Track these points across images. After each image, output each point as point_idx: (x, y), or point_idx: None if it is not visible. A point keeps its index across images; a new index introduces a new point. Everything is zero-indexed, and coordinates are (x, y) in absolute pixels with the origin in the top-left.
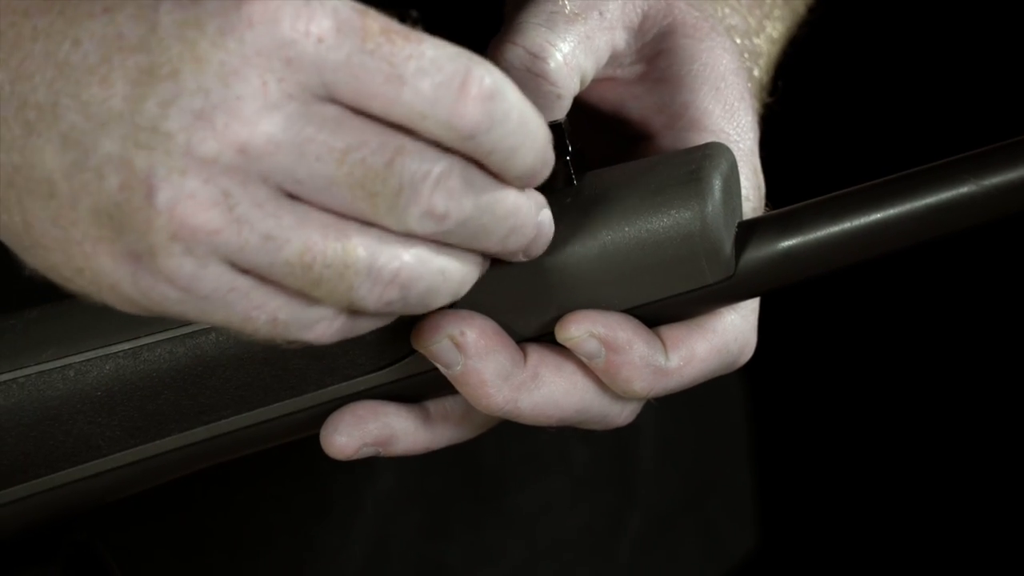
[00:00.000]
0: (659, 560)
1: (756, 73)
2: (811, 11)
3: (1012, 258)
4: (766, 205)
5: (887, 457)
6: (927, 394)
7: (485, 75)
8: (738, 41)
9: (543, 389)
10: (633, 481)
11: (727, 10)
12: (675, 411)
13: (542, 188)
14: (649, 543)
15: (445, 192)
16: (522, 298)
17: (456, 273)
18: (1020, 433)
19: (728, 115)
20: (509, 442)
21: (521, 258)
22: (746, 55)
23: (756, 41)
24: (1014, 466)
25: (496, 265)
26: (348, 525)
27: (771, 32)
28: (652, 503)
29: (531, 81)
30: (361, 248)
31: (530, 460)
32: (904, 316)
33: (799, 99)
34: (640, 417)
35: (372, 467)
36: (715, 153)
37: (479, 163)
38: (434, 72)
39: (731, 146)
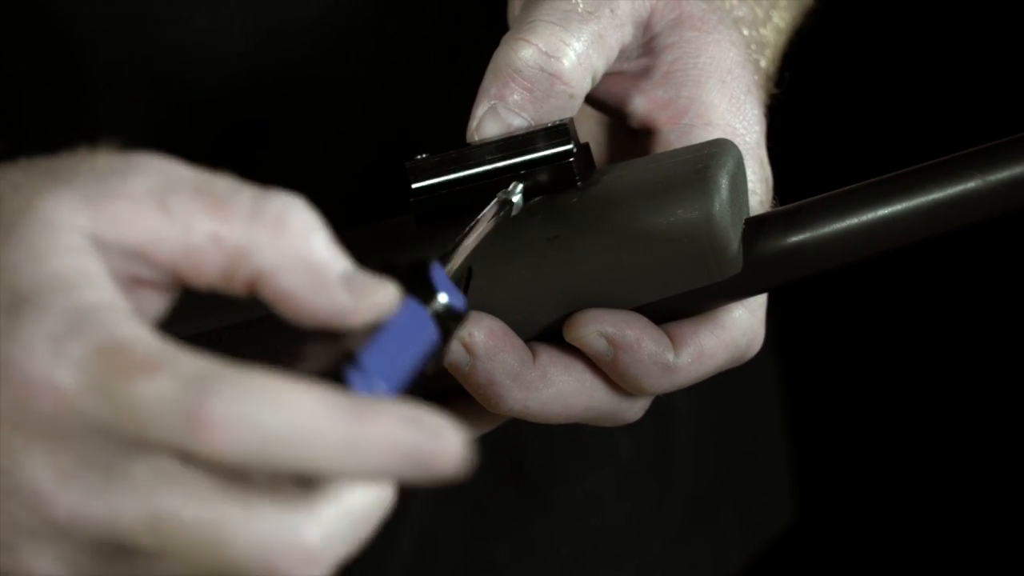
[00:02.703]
0: (699, 540)
1: (763, 64)
2: (819, 0)
3: None
4: (774, 197)
5: (921, 429)
6: (961, 365)
7: (219, 404)
8: (745, 32)
9: (552, 388)
10: (672, 466)
11: (735, 1)
12: (709, 390)
13: (547, 188)
14: (689, 524)
15: None
16: (530, 298)
17: None
18: None
19: (734, 108)
20: (553, 436)
21: None
22: (753, 46)
23: (763, 31)
24: None
25: (504, 266)
26: (395, 524)
27: (778, 22)
28: (690, 485)
29: (545, 80)
30: None
31: (575, 453)
32: (935, 288)
33: (807, 90)
34: (675, 400)
35: None
36: (721, 151)
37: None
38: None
39: (737, 140)
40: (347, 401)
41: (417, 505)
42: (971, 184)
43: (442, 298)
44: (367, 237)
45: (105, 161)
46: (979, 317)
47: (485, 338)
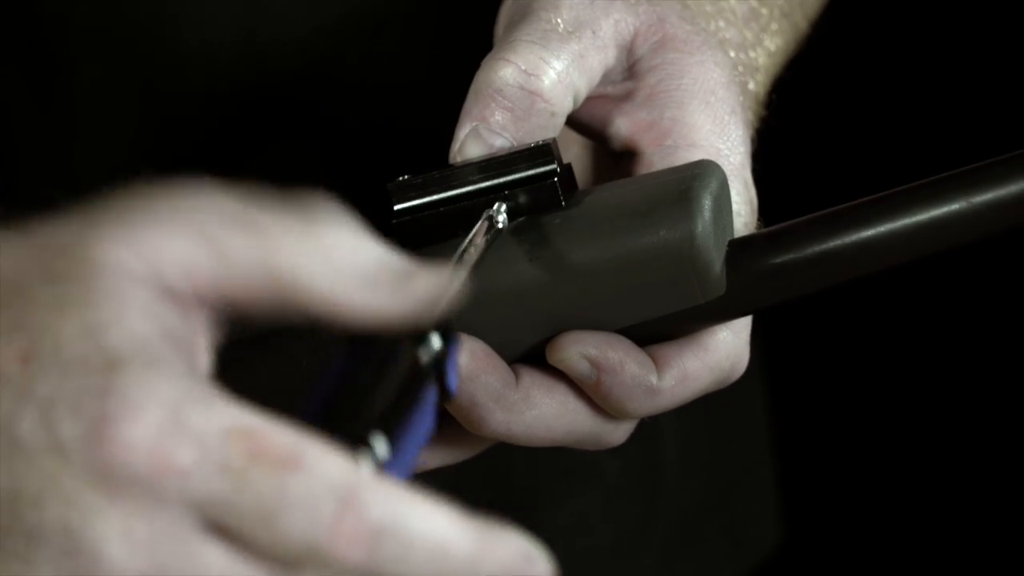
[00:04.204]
0: (686, 561)
1: (752, 87)
2: (812, 26)
3: None
4: (759, 219)
5: (908, 451)
6: (947, 387)
7: (363, 515)
8: (732, 54)
9: (535, 411)
10: (658, 487)
11: (722, 23)
12: (696, 412)
13: (530, 209)
14: (675, 546)
15: None
16: (513, 319)
17: None
18: None
19: (718, 129)
20: (539, 457)
21: None
22: (740, 68)
23: (752, 55)
24: None
25: (486, 286)
26: None
27: (768, 45)
28: (678, 506)
29: (525, 99)
30: None
31: (561, 474)
32: (922, 308)
33: (794, 112)
34: (662, 422)
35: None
36: (705, 172)
37: None
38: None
39: (721, 161)
40: (473, 523)
41: None
42: (956, 206)
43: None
44: None
45: (147, 201)
46: (966, 339)
47: (468, 360)
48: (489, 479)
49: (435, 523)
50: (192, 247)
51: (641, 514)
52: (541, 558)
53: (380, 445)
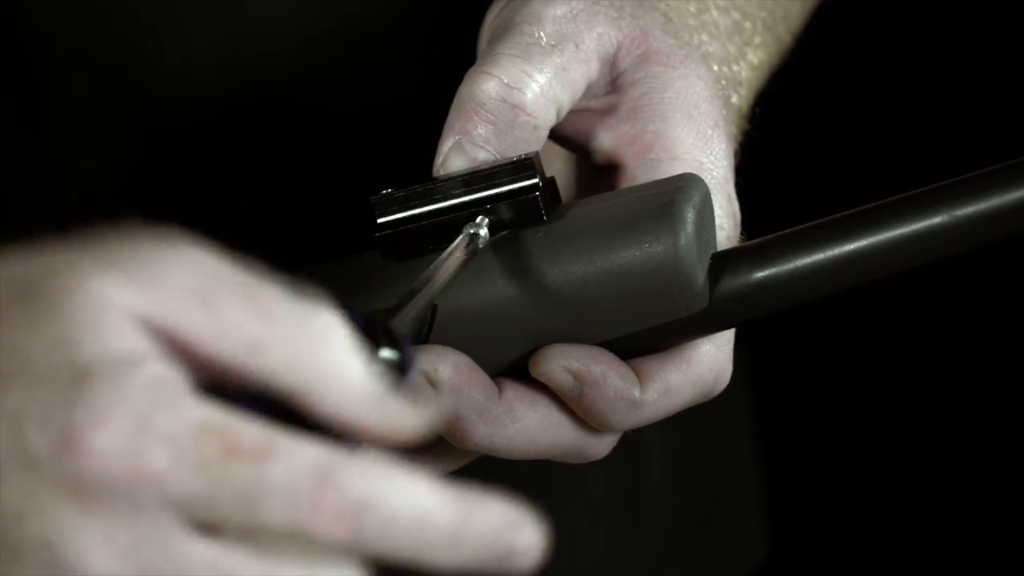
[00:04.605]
0: None
1: (735, 101)
2: (796, 40)
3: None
4: (741, 233)
5: (894, 464)
6: (932, 399)
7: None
8: (715, 68)
9: (518, 424)
10: (643, 502)
11: (705, 37)
12: (681, 427)
13: (512, 223)
14: (661, 561)
15: None
16: (496, 333)
17: None
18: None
19: (701, 143)
20: (523, 472)
21: None
22: (723, 82)
23: (735, 68)
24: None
25: (469, 300)
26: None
27: (752, 59)
28: (663, 521)
29: (508, 112)
30: None
31: (545, 489)
32: (905, 321)
33: (778, 126)
34: (648, 436)
35: None
36: (688, 185)
37: None
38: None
39: (704, 174)
40: (455, 491)
41: None
42: (937, 219)
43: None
44: (332, 274)
45: (144, 244)
46: (950, 352)
47: (451, 373)
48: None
49: (416, 494)
50: (192, 306)
51: (627, 529)
52: (528, 524)
53: None
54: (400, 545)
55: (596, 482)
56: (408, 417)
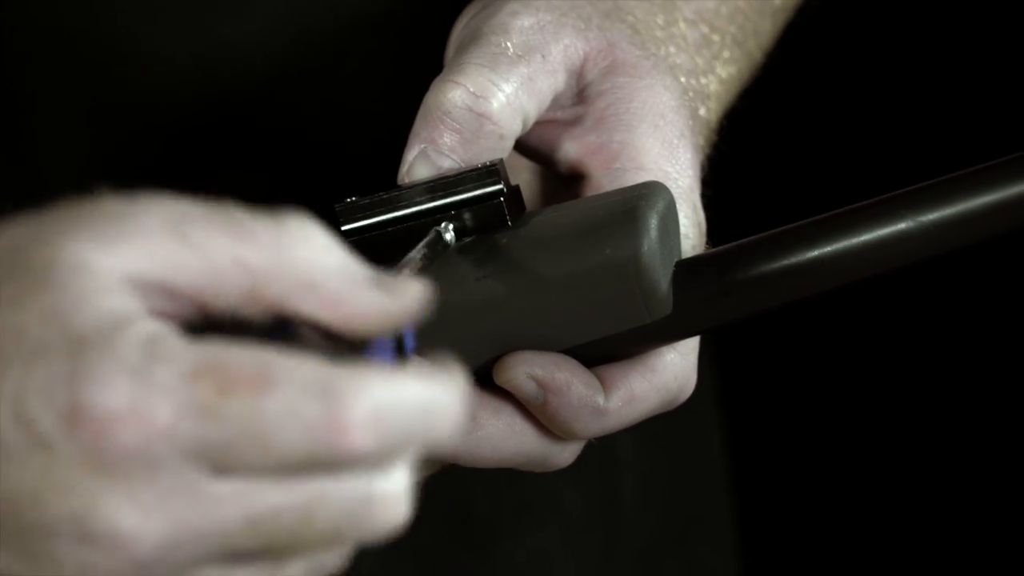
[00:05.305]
0: None
1: (703, 113)
2: (767, 56)
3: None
4: (707, 242)
5: (867, 481)
6: (906, 412)
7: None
8: (683, 80)
9: (481, 431)
10: (618, 520)
11: (672, 48)
12: (654, 446)
13: (477, 229)
14: None
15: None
16: (459, 339)
17: None
18: (998, 459)
19: (667, 153)
20: (499, 490)
21: None
22: (691, 93)
23: (704, 81)
24: (998, 492)
25: (433, 306)
26: None
27: (721, 73)
28: (637, 541)
29: (474, 121)
30: None
31: (520, 508)
32: (877, 333)
33: (744, 137)
34: (622, 455)
35: None
36: (651, 192)
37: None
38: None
39: (670, 183)
40: (434, 368)
41: (365, 563)
42: (902, 225)
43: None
44: None
45: (112, 204)
46: (923, 364)
47: None
48: (449, 514)
49: (415, 386)
50: (170, 245)
51: (601, 549)
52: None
53: None
54: (423, 434)
55: (571, 501)
56: (404, 290)
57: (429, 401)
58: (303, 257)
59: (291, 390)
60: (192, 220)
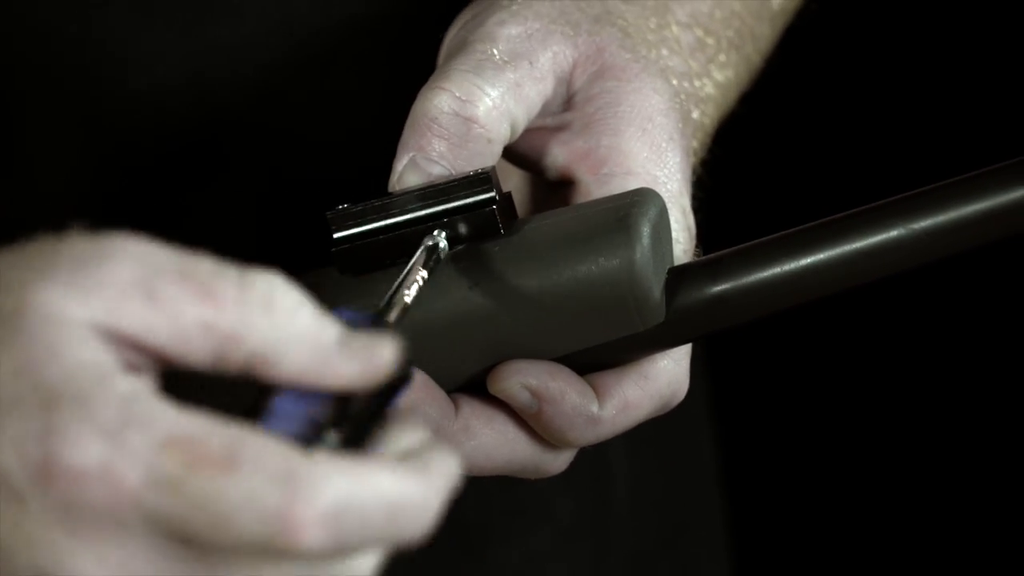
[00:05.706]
0: None
1: (696, 116)
2: (766, 61)
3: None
4: (697, 246)
5: (858, 486)
6: (897, 418)
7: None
8: (675, 83)
9: (474, 441)
10: (609, 525)
11: (664, 51)
12: (646, 451)
13: (470, 237)
14: None
15: None
16: (453, 348)
17: None
18: (990, 464)
19: (655, 156)
20: (491, 495)
21: None
22: (683, 96)
23: (698, 84)
24: (991, 496)
25: (426, 315)
26: None
27: (717, 76)
28: (629, 546)
29: (461, 126)
30: None
31: (512, 513)
32: (868, 339)
33: (737, 140)
34: (614, 461)
35: None
36: (644, 199)
37: None
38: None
39: (659, 187)
40: (409, 463)
41: None
42: (894, 233)
43: None
44: None
45: (83, 247)
46: (914, 369)
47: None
48: (441, 520)
49: (383, 483)
50: (139, 302)
51: (593, 554)
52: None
53: (331, 438)
54: (380, 535)
55: (563, 507)
56: (378, 351)
57: (399, 497)
58: (269, 324)
59: (255, 476)
60: (162, 274)
